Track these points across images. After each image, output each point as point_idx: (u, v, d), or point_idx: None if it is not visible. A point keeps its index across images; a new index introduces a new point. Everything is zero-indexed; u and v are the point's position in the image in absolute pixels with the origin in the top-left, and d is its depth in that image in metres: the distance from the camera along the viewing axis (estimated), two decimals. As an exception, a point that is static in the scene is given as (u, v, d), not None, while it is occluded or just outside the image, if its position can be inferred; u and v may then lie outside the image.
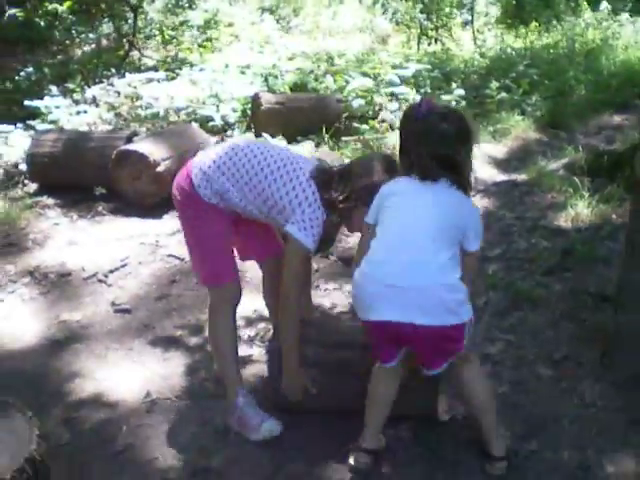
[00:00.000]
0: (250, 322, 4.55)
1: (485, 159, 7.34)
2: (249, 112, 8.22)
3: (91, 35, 15.07)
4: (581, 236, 5.49)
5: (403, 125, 3.22)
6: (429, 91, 9.33)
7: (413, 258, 2.97)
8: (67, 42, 15.20)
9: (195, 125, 7.31)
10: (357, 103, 8.37)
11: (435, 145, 3.04)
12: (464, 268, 3.05)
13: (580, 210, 5.85)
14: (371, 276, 3.03)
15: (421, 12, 14.54)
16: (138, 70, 11.06)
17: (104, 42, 14.89)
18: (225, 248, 3.60)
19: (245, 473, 3.31)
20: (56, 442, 3.41)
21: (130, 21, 14.47)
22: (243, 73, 9.72)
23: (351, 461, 3.33)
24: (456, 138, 3.06)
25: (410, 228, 3.04)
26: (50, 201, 6.47)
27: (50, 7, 15.43)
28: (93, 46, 14.79)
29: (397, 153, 3.25)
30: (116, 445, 3.49)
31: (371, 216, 3.18)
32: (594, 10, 15.75)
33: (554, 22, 14.61)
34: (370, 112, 8.50)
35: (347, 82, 9.02)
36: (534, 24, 15.11)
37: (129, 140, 6.59)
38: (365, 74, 9.39)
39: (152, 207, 6.21)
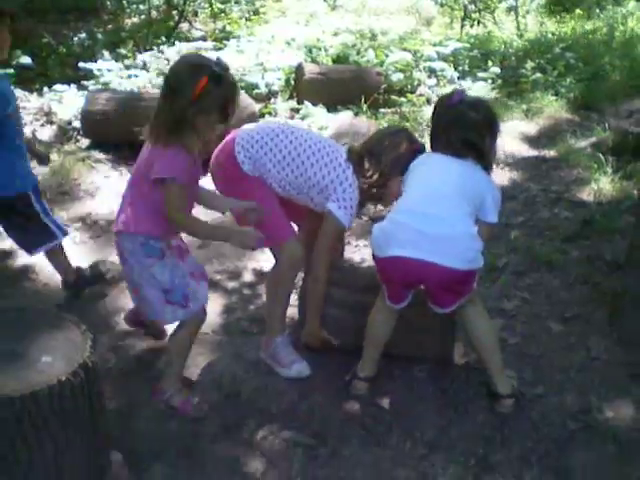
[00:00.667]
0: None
1: (516, 135, 7.54)
2: (292, 81, 8.50)
3: (141, 6, 15.33)
4: (601, 209, 5.73)
5: (436, 112, 3.58)
6: (467, 69, 9.53)
7: (440, 209, 3.28)
8: (118, 12, 15.47)
9: (241, 91, 7.56)
10: (396, 77, 8.62)
11: (464, 131, 3.40)
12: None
13: (603, 185, 6.08)
14: (399, 221, 3.32)
15: (465, -5, 14.64)
16: (187, 40, 11.29)
17: (154, 13, 15.10)
18: (277, 208, 3.78)
19: (272, 400, 3.63)
20: (104, 365, 3.73)
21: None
22: (288, 45, 9.95)
23: (351, 389, 3.68)
24: (483, 126, 3.43)
25: (437, 185, 3.38)
26: (101, 156, 6.78)
27: (104, -23, 15.78)
28: (143, 17, 15.03)
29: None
30: (156, 370, 3.83)
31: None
32: (638, 1, 15.78)
33: (597, 10, 14.64)
34: (409, 86, 8.73)
35: (387, 56, 9.26)
36: (577, 11, 15.16)
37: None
38: (405, 50, 9.61)
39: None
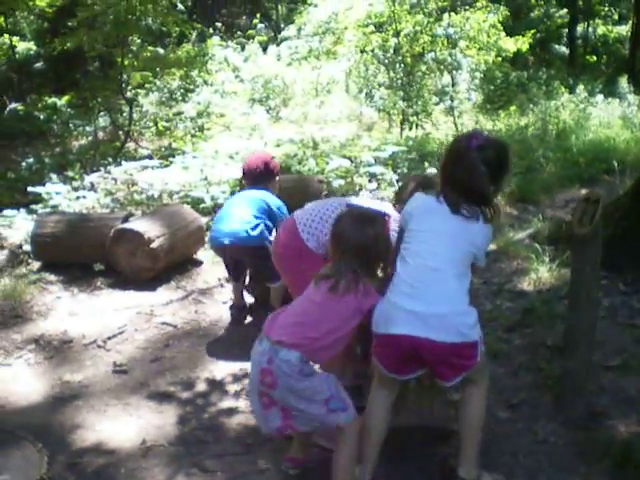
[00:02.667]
0: (237, 378, 4.96)
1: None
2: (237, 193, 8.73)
3: (88, 128, 15.65)
4: (541, 297, 5.93)
5: (450, 153, 3.65)
6: (405, 171, 9.84)
7: (437, 291, 3.40)
8: (65, 135, 15.77)
9: (187, 206, 7.76)
10: (337, 183, 8.89)
11: (472, 178, 3.49)
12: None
13: (542, 274, 6.29)
14: (393, 301, 3.43)
15: (402, 100, 15.15)
16: (134, 159, 11.54)
17: (101, 134, 15.42)
18: None
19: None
20: (62, 484, 3.80)
21: (125, 114, 15.08)
22: (232, 158, 10.23)
23: None
24: (494, 172, 3.54)
25: (435, 257, 3.46)
26: (52, 277, 6.83)
27: (49, 101, 16.12)
28: (90, 138, 15.33)
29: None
30: (114, 486, 3.89)
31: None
32: (571, 93, 16.49)
33: (530, 105, 15.24)
34: (350, 192, 9.00)
35: (327, 164, 9.56)
36: (512, 107, 15.77)
37: (125, 220, 7.00)
38: (345, 157, 9.92)
39: (147, 280, 6.62)
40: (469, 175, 3.49)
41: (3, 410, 4.70)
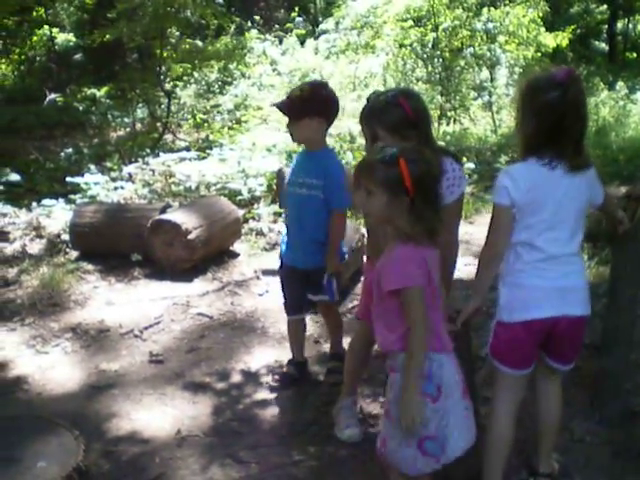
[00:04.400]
0: (271, 370, 4.97)
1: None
2: (274, 186, 8.76)
3: (126, 119, 15.77)
4: (580, 294, 5.88)
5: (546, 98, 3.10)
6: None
7: (569, 260, 3.21)
8: (103, 126, 15.89)
9: (224, 198, 7.78)
10: (375, 176, 8.87)
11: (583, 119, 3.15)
12: None
13: (581, 271, 6.24)
14: (538, 281, 3.20)
15: (440, 94, 15.07)
16: (171, 151, 11.61)
17: (138, 126, 15.54)
18: None
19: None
20: (97, 471, 3.80)
21: (163, 106, 15.15)
22: (269, 151, 10.26)
23: None
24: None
25: (562, 228, 3.18)
26: (90, 267, 6.92)
27: (89, 92, 16.25)
28: (128, 129, 15.45)
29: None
30: (149, 474, 3.88)
31: (504, 197, 3.16)
32: (611, 90, 16.32)
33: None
34: (389, 184, 8.96)
35: (366, 158, 9.51)
36: (550, 105, 15.58)
37: (163, 211, 7.06)
38: (384, 150, 9.88)
39: (183, 272, 6.67)
40: (579, 118, 3.13)
41: (40, 397, 4.75)
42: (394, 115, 3.52)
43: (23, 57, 22.54)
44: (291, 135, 4.54)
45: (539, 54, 16.71)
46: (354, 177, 2.95)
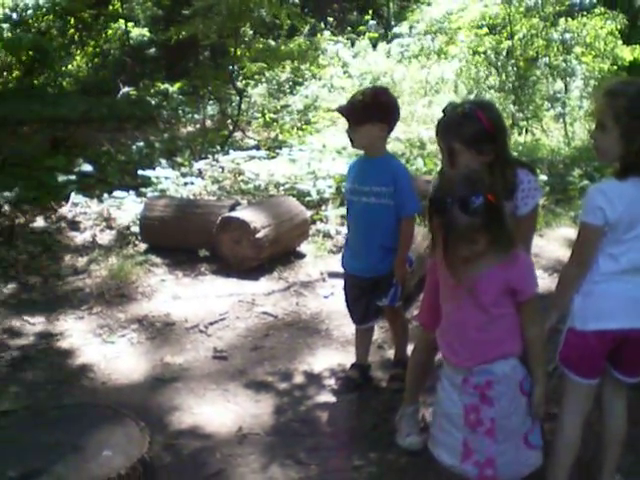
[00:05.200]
0: (334, 373, 4.95)
1: (564, 242, 7.62)
2: (343, 189, 8.73)
3: (196, 115, 15.90)
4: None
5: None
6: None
7: None
8: (173, 121, 16.05)
9: (292, 198, 7.79)
10: (445, 184, 8.80)
11: None
12: None
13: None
14: (614, 291, 3.15)
15: (513, 104, 14.91)
16: (241, 149, 11.68)
17: (208, 122, 15.66)
18: None
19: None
20: (159, 464, 3.82)
21: (234, 104, 15.24)
22: (339, 153, 10.26)
23: None
24: None
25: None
26: (158, 260, 7.00)
27: (162, 87, 16.43)
28: (198, 126, 15.57)
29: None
30: (210, 469, 3.91)
31: (598, 218, 3.09)
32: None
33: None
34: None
35: (436, 165, 9.46)
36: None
37: (232, 208, 7.10)
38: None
39: (250, 270, 6.69)
40: None
41: (105, 386, 4.82)
42: (471, 128, 3.48)
43: (98, 50, 22.91)
44: (351, 141, 4.51)
45: (615, 67, 16.44)
46: None
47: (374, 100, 4.36)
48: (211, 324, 5.71)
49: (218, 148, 11.56)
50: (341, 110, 4.51)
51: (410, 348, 4.61)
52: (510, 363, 3.05)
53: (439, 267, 3.13)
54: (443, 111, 3.67)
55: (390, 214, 4.40)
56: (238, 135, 13.87)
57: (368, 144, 4.45)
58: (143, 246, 7.31)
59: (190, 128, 15.62)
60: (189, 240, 7.03)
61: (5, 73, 21.39)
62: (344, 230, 7.54)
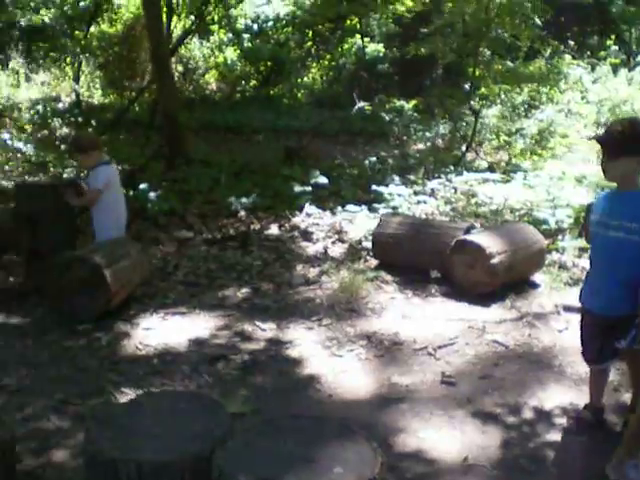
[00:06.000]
0: (566, 412, 4.74)
1: None
2: (582, 220, 8.40)
3: (427, 133, 15.93)
4: None
5: None
6: None
7: None
8: (404, 137, 16.16)
9: (530, 225, 7.55)
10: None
11: None
12: None
13: None
14: None
15: None
16: (472, 170, 11.56)
17: (439, 141, 15.66)
18: None
19: None
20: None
21: (466, 124, 15.15)
22: (579, 182, 9.91)
23: None
24: None
25: None
26: (389, 277, 7.02)
27: (397, 104, 16.58)
28: (428, 144, 15.60)
29: None
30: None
31: None
32: None
33: None
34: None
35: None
36: None
37: (467, 231, 7.02)
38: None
39: (482, 295, 6.56)
40: None
41: (331, 399, 4.86)
42: None
43: (333, 63, 23.48)
44: (604, 172, 4.29)
45: None
46: None
47: (633, 132, 4.15)
48: (440, 347, 5.64)
49: (451, 168, 11.50)
50: (599, 140, 4.32)
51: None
52: None
53: None
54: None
55: (638, 251, 4.17)
56: (469, 156, 13.76)
57: (622, 177, 4.24)
58: (374, 262, 7.37)
59: (420, 145, 15.69)
60: (421, 260, 7.01)
61: (243, 82, 22.36)
62: (581, 263, 7.29)
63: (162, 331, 5.95)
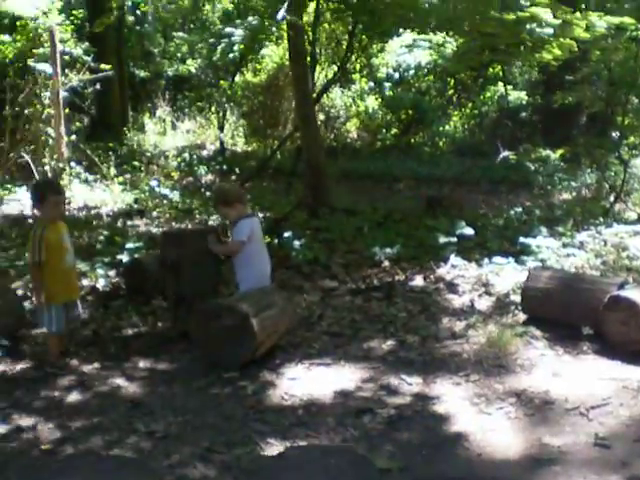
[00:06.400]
0: None
1: None
2: None
3: (572, 183, 15.60)
4: None
5: None
6: None
7: None
8: (549, 187, 15.87)
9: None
10: None
11: None
12: None
13: None
14: None
15: None
16: (622, 221, 11.24)
17: (584, 191, 15.31)
18: None
19: None
20: None
21: (614, 174, 14.78)
22: None
23: None
24: None
25: None
26: (538, 332, 6.83)
27: (544, 153, 16.34)
28: (574, 194, 15.28)
29: None
30: None
31: None
32: None
33: None
34: None
35: None
36: None
37: (621, 287, 6.79)
38: None
39: (636, 353, 6.30)
40: None
41: (480, 459, 4.76)
42: None
43: (475, 112, 23.37)
44: None
45: None
46: None
47: None
48: (592, 408, 5.42)
49: (600, 220, 11.21)
50: None
51: None
52: None
53: None
54: None
55: None
56: (617, 206, 13.39)
57: None
58: (522, 316, 7.20)
59: (565, 195, 15.39)
60: (572, 315, 6.82)
61: (384, 130, 22.55)
62: None
63: (307, 381, 5.98)
